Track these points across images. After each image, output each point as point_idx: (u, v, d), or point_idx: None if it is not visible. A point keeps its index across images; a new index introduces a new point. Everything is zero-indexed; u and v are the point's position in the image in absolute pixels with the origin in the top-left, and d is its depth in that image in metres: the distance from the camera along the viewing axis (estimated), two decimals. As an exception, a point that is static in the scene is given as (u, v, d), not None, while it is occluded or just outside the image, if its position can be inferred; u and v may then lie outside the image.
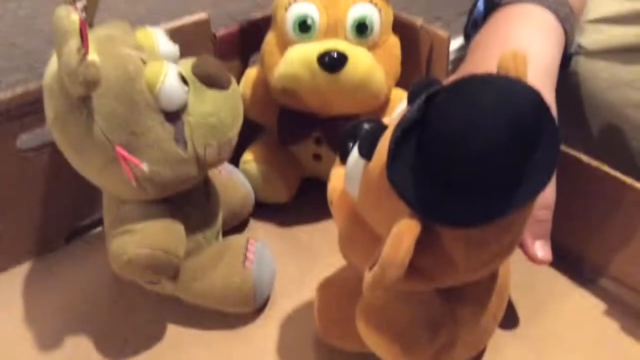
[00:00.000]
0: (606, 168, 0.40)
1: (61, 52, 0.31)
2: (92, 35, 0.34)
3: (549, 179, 0.26)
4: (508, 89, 0.24)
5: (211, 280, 0.41)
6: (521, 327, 0.42)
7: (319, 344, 0.40)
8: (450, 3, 0.73)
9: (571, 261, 0.45)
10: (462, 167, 0.24)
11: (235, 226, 0.50)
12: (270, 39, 0.47)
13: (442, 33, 0.48)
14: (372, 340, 0.33)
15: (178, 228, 0.39)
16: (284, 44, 0.46)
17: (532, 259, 0.38)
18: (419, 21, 0.50)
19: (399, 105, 0.32)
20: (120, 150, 0.35)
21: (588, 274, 0.44)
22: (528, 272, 0.42)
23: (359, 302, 0.34)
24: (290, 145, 0.51)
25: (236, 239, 0.44)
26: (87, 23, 0.31)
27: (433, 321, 0.33)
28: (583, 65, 0.48)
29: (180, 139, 0.37)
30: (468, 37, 0.47)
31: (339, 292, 0.39)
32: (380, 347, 0.33)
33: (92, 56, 0.31)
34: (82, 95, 0.33)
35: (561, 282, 0.45)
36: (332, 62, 0.43)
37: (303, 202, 0.52)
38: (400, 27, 0.49)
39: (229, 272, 0.41)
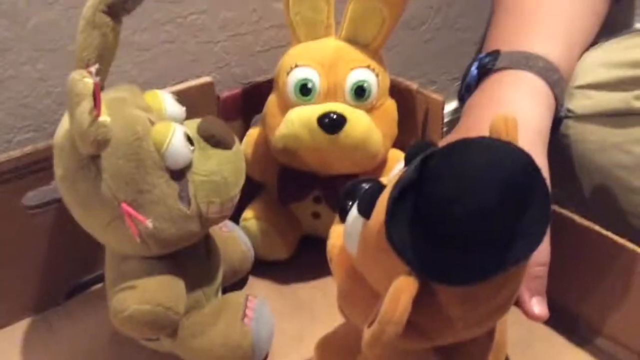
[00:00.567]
0: (598, 228, 0.41)
1: (74, 113, 0.32)
2: (104, 97, 0.36)
3: (542, 237, 0.27)
4: (499, 152, 0.25)
5: (210, 337, 0.41)
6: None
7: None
8: (445, 68, 0.76)
9: (567, 320, 0.45)
10: (456, 226, 0.25)
11: (235, 283, 0.50)
12: (272, 101, 0.49)
13: (437, 97, 0.50)
14: (370, 400, 0.33)
15: (179, 284, 0.39)
16: (285, 106, 0.47)
17: (529, 315, 0.38)
18: (414, 85, 0.52)
19: (396, 166, 0.33)
20: (125, 207, 0.35)
21: (583, 333, 0.44)
22: (524, 330, 0.42)
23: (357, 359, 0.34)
24: (290, 204, 0.52)
25: (235, 296, 0.44)
26: (100, 86, 0.32)
27: (430, 380, 0.34)
28: (573, 129, 0.50)
29: (184, 197, 0.38)
30: (462, 101, 0.49)
31: (337, 349, 0.39)
32: (379, 405, 0.33)
33: (104, 117, 0.32)
34: (93, 154, 0.34)
35: (557, 341, 0.45)
36: (332, 123, 0.44)
37: (302, 260, 0.53)
38: (397, 91, 0.51)
39: (228, 329, 0.41)
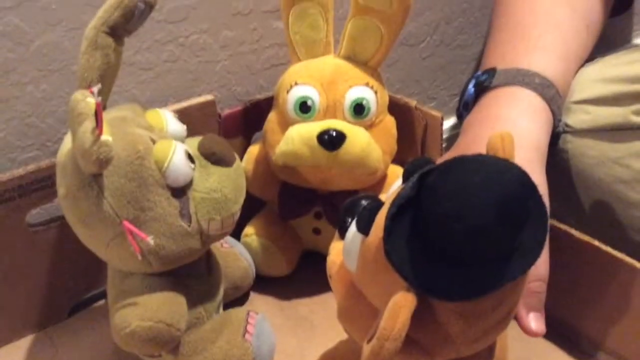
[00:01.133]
0: (597, 243, 0.41)
1: (76, 132, 0.32)
2: (106, 117, 0.36)
3: (539, 253, 0.27)
4: (495, 169, 0.26)
5: (211, 353, 0.41)
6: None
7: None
8: (443, 85, 0.76)
9: (568, 335, 0.45)
10: (454, 242, 0.25)
11: (236, 299, 0.50)
12: (272, 118, 0.50)
13: (435, 113, 0.51)
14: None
15: (180, 301, 0.39)
16: (285, 123, 0.48)
17: (526, 331, 0.38)
18: (413, 102, 0.52)
19: (395, 182, 0.34)
20: (127, 224, 0.36)
21: (585, 348, 0.44)
22: (525, 346, 0.42)
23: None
24: (291, 220, 0.53)
25: (236, 312, 0.44)
26: (101, 106, 0.33)
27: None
28: (571, 143, 0.50)
29: (185, 214, 0.38)
30: (460, 118, 0.49)
31: (339, 365, 0.39)
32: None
33: (106, 136, 0.33)
34: (94, 172, 0.35)
35: (558, 356, 0.45)
36: (331, 140, 0.45)
37: (303, 276, 0.53)
38: (396, 108, 0.51)
39: (229, 345, 0.41)
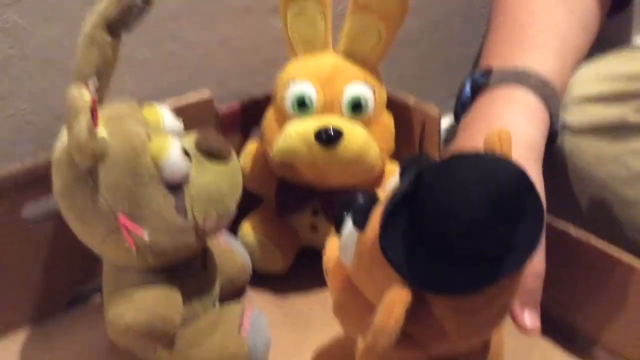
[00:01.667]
0: (594, 241, 0.41)
1: (72, 127, 0.33)
2: (102, 112, 0.36)
3: (534, 249, 0.27)
4: (491, 165, 0.26)
5: (207, 348, 0.41)
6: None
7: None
8: (442, 83, 0.76)
9: (564, 332, 0.45)
10: (449, 239, 0.25)
11: (232, 295, 0.50)
12: (270, 115, 0.50)
13: (433, 111, 0.51)
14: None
15: (175, 296, 0.39)
16: (283, 120, 0.48)
17: (520, 327, 0.38)
18: (411, 100, 0.52)
19: (391, 179, 0.34)
20: (123, 219, 0.36)
21: (581, 344, 0.44)
22: (521, 342, 0.42)
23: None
24: (288, 216, 0.53)
25: (232, 307, 0.44)
26: (97, 101, 0.33)
27: (426, 391, 0.34)
28: (569, 142, 0.50)
29: (181, 209, 0.38)
30: (457, 118, 0.49)
31: (335, 359, 0.39)
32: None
33: (101, 131, 0.33)
34: (89, 167, 0.35)
35: (555, 353, 0.45)
36: (329, 137, 0.45)
37: (300, 272, 0.53)
38: (394, 105, 0.51)
39: (225, 341, 0.41)
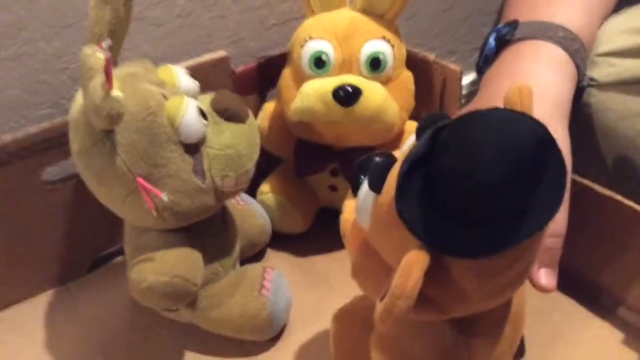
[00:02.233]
0: (619, 197, 0.40)
1: (87, 87, 0.32)
2: (116, 73, 0.36)
3: (556, 210, 0.26)
4: (511, 124, 0.25)
5: (228, 308, 0.41)
6: (537, 356, 0.41)
7: (335, 373, 0.40)
8: (464, 38, 0.74)
9: (589, 290, 0.44)
10: (467, 201, 0.25)
11: (252, 256, 0.50)
12: (286, 74, 0.49)
13: (454, 67, 0.50)
14: (387, 372, 0.33)
15: (196, 256, 0.40)
16: (300, 79, 0.47)
17: (535, 286, 0.38)
18: (431, 56, 0.51)
19: (408, 139, 0.33)
20: (141, 181, 0.36)
21: (605, 303, 0.44)
22: (544, 300, 0.42)
23: (372, 333, 0.34)
24: (307, 177, 0.52)
25: (253, 268, 0.44)
26: (112, 61, 0.32)
27: (447, 352, 0.33)
28: (595, 97, 0.49)
29: (199, 170, 0.38)
30: (480, 73, 0.48)
31: (354, 321, 0.39)
32: (395, 377, 0.33)
33: (116, 92, 0.32)
34: (106, 128, 0.35)
35: (578, 312, 0.45)
36: (347, 96, 0.44)
37: (319, 232, 0.53)
38: (414, 62, 0.50)
39: (246, 300, 0.42)
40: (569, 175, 0.28)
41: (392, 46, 0.47)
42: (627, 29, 0.49)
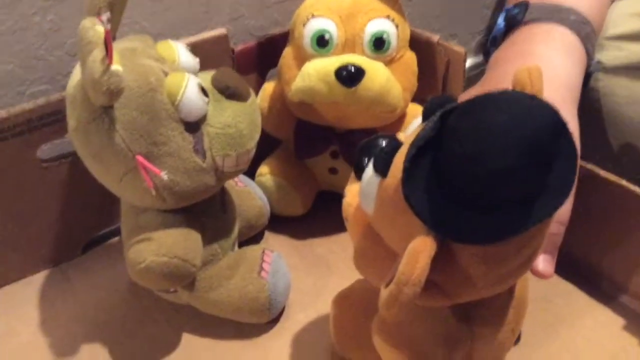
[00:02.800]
0: (624, 182, 0.40)
1: (85, 61, 0.31)
2: (115, 48, 0.35)
3: (567, 195, 0.25)
4: (522, 106, 0.24)
5: (227, 289, 0.41)
6: (538, 341, 0.41)
7: (333, 356, 0.40)
8: (466, 21, 0.73)
9: (590, 276, 0.44)
10: (476, 185, 0.24)
11: (251, 238, 0.50)
12: (288, 53, 0.48)
13: (459, 49, 0.49)
14: (388, 356, 0.33)
15: (195, 237, 0.39)
16: (301, 59, 0.46)
17: (533, 271, 0.37)
18: (435, 37, 0.50)
19: (413, 121, 0.32)
20: (140, 159, 0.35)
21: (607, 290, 0.44)
22: (546, 286, 0.41)
23: (375, 318, 0.34)
24: (307, 159, 0.52)
25: (252, 250, 0.44)
26: (111, 34, 0.31)
27: (450, 337, 0.33)
28: (602, 82, 0.48)
29: (199, 149, 0.37)
30: (487, 54, 0.47)
31: (354, 305, 0.38)
32: (398, 362, 0.33)
33: (116, 66, 0.31)
34: (105, 104, 0.34)
35: (579, 297, 0.44)
36: (350, 76, 0.43)
37: (318, 215, 0.52)
38: (417, 43, 0.49)
39: (245, 282, 0.41)
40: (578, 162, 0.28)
41: (397, 26, 0.46)
42: (635, 12, 0.49)
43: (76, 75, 0.36)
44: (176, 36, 0.51)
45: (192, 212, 0.39)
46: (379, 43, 0.45)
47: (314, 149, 0.51)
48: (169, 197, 0.37)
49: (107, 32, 0.31)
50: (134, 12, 0.49)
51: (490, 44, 0.46)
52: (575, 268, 0.39)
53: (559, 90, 0.38)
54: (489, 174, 0.23)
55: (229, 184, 0.47)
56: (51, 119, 0.43)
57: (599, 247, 0.43)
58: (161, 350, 0.41)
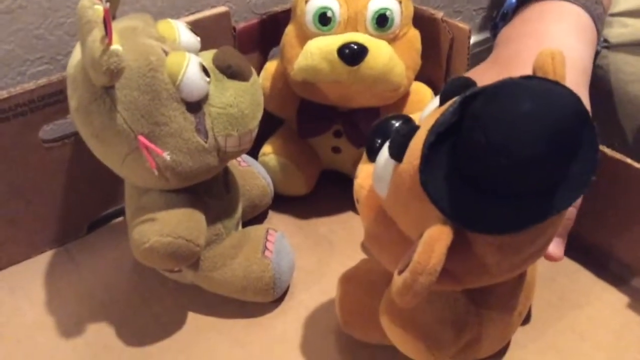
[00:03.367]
0: (630, 161, 0.39)
1: (85, 41, 0.31)
2: (115, 27, 0.34)
3: (587, 185, 0.25)
4: (548, 96, 0.23)
5: (231, 269, 0.41)
6: (543, 321, 0.41)
7: (338, 335, 0.40)
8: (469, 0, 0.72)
9: (597, 256, 0.44)
10: (500, 175, 0.24)
11: (255, 218, 0.50)
12: (290, 31, 0.47)
13: (463, 26, 0.48)
14: (396, 338, 0.33)
15: (199, 217, 0.39)
16: (303, 37, 0.46)
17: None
18: (439, 14, 0.49)
19: (429, 104, 0.31)
20: (142, 139, 0.35)
21: (614, 270, 0.44)
22: (551, 266, 0.41)
23: (382, 299, 0.34)
24: (310, 138, 0.51)
25: (256, 229, 0.44)
26: (110, 13, 0.31)
27: (458, 320, 0.33)
28: (607, 59, 0.48)
29: (201, 129, 0.37)
30: (495, 29, 0.46)
31: (360, 285, 0.38)
32: (405, 344, 0.33)
33: (116, 46, 0.31)
34: (106, 84, 0.33)
35: (585, 277, 0.44)
36: (353, 54, 0.43)
37: (322, 195, 0.52)
38: (421, 21, 0.49)
39: (249, 262, 0.41)
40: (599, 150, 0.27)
41: (400, 2, 0.45)
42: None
43: (76, 55, 0.35)
44: (177, 14, 0.51)
45: (195, 192, 0.39)
46: (382, 20, 0.44)
47: (317, 128, 0.50)
48: (172, 177, 0.37)
49: (106, 11, 0.31)
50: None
51: (500, 19, 0.45)
52: (581, 247, 0.39)
53: (574, 75, 0.37)
54: (515, 164, 0.23)
55: (232, 164, 0.47)
56: (53, 99, 0.42)
57: (606, 227, 0.43)
58: (166, 329, 0.42)
